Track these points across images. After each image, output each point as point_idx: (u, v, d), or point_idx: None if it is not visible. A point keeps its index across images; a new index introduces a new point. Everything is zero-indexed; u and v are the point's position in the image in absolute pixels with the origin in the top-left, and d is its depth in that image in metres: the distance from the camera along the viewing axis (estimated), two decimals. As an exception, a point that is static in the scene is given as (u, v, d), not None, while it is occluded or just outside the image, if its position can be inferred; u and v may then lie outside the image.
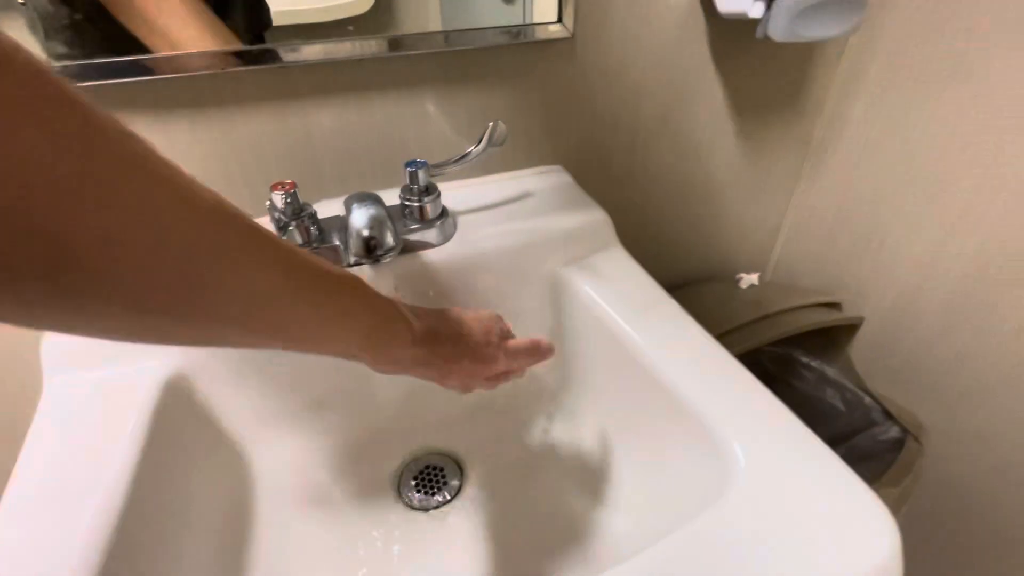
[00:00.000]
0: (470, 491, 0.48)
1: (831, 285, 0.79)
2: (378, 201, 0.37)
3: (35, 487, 0.32)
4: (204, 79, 0.42)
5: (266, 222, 0.40)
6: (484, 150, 0.45)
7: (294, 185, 0.41)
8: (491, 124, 0.45)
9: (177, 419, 0.38)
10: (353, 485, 0.47)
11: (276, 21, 0.41)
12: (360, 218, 0.35)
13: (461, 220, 0.51)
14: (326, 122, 0.48)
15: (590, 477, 0.47)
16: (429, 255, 0.46)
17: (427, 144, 0.53)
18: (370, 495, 0.47)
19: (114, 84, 0.39)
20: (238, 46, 0.41)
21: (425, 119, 0.51)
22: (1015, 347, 0.59)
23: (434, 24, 0.46)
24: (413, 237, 0.46)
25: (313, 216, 0.43)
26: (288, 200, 0.40)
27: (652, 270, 0.75)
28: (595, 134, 0.60)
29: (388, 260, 0.36)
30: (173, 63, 0.39)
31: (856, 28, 0.52)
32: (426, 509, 0.46)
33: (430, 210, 0.46)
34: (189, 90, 0.42)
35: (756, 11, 0.50)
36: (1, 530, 0.29)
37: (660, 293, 0.47)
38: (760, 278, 0.77)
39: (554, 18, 0.49)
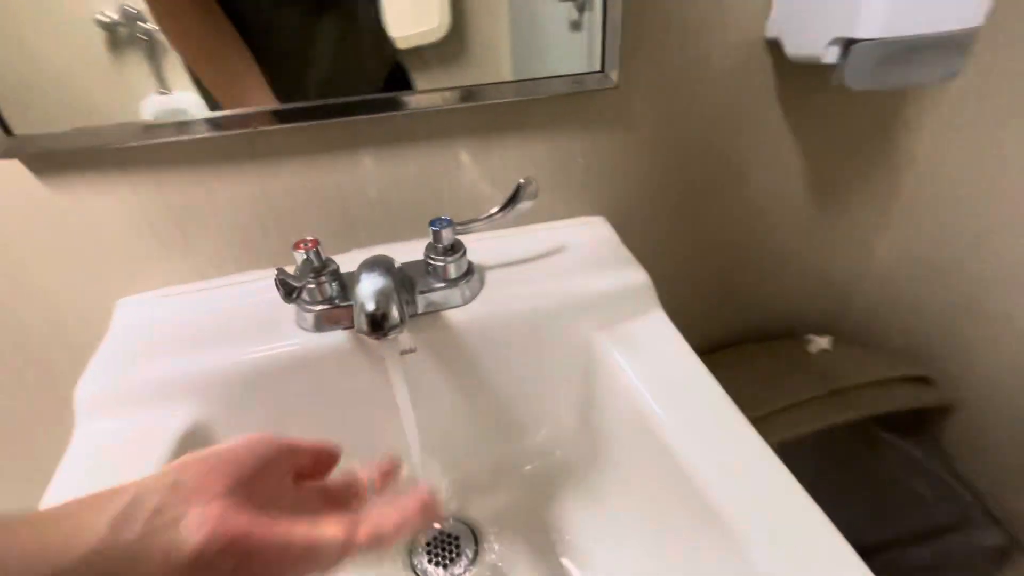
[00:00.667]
0: (486, 562, 0.45)
1: (920, 355, 0.69)
2: (388, 269, 0.36)
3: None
4: (242, 139, 0.43)
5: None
6: (512, 209, 0.43)
7: (316, 243, 0.40)
8: (521, 182, 0.43)
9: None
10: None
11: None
12: (366, 291, 0.34)
13: (490, 276, 0.48)
14: (358, 173, 0.47)
15: (607, 565, 0.42)
16: (451, 316, 0.44)
17: (459, 196, 0.51)
18: (380, 564, 0.45)
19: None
20: (278, 105, 0.41)
21: (459, 170, 0.50)
22: None
23: (505, 70, 0.45)
24: (436, 297, 0.44)
25: (335, 272, 0.42)
26: (309, 258, 0.40)
27: (705, 327, 0.70)
28: (643, 183, 0.56)
29: (394, 336, 0.34)
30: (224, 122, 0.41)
31: (955, 74, 0.45)
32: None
33: (453, 270, 0.44)
34: (228, 146, 0.43)
35: (830, 56, 0.44)
36: None
37: (700, 370, 0.42)
38: (833, 342, 0.68)
39: (597, 67, 0.46)
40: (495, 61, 0.45)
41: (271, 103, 0.41)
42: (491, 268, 0.49)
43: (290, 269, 0.37)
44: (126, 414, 0.39)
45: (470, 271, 0.45)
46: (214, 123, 0.41)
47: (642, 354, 0.43)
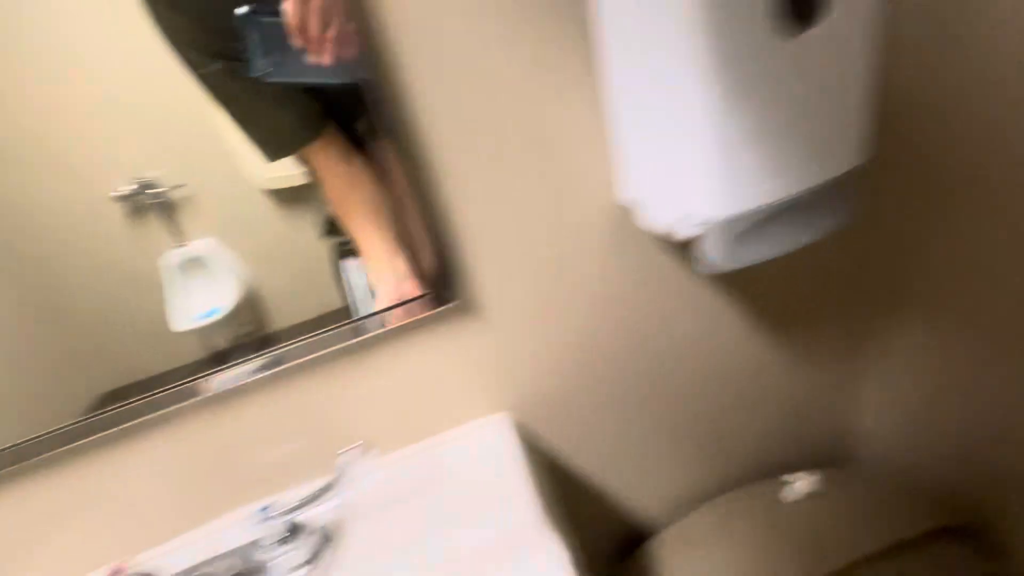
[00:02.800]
0: None
1: (955, 486, 0.54)
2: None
3: None
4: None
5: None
6: (336, 488, 0.37)
7: (123, 569, 0.36)
8: (337, 461, 0.37)
9: None
10: None
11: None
12: None
13: (350, 541, 0.40)
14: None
15: None
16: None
17: (316, 433, 0.45)
18: None
19: None
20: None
21: (306, 407, 0.44)
22: None
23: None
24: (277, 595, 0.37)
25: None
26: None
27: (662, 489, 0.58)
28: (539, 371, 0.48)
29: None
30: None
31: (848, 221, 0.36)
32: None
33: (293, 559, 0.37)
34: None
35: (686, 231, 0.36)
36: None
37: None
38: (825, 478, 0.55)
39: (423, 291, 0.40)
40: None
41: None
42: (355, 518, 0.42)
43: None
44: None
45: (325, 540, 0.38)
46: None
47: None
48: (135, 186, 0.35)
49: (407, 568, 0.38)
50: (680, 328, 0.49)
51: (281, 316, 0.41)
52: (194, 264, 0.39)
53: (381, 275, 0.40)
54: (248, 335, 0.41)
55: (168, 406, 0.40)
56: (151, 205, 0.36)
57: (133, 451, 0.41)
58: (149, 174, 0.35)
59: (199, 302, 0.40)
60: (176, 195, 0.36)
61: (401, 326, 0.42)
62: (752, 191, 0.32)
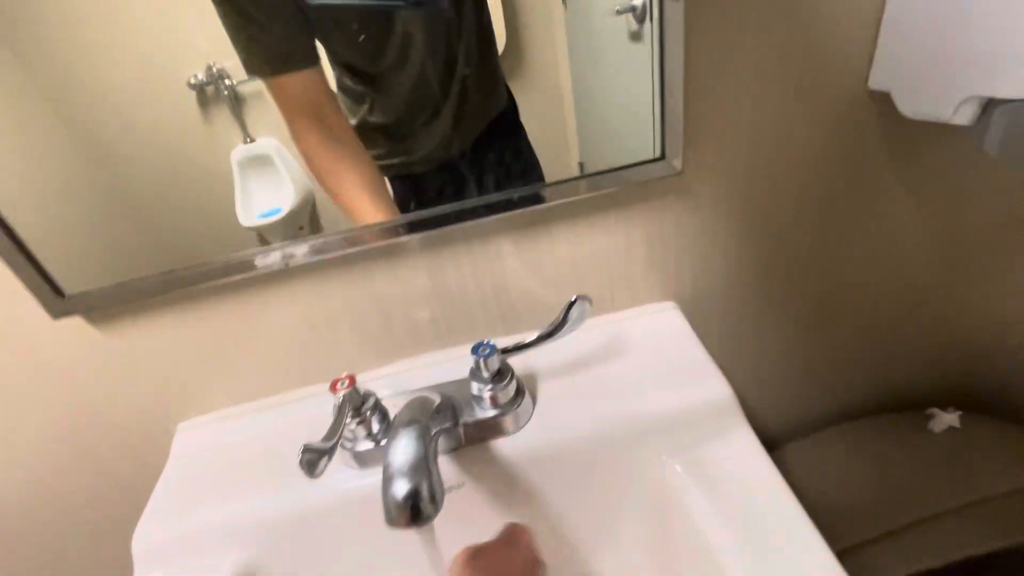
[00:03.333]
0: None
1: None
2: (422, 435, 0.32)
3: None
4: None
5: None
6: (564, 332, 0.38)
7: (353, 380, 0.38)
8: (573, 300, 0.37)
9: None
10: None
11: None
12: (397, 463, 0.30)
13: (543, 391, 0.43)
14: (407, 281, 0.44)
15: None
16: (500, 446, 0.40)
17: (510, 298, 0.47)
18: None
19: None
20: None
21: (505, 272, 0.45)
22: None
23: (564, 84, 0.40)
24: (483, 425, 0.40)
25: (376, 405, 0.39)
26: (348, 397, 0.37)
27: (804, 406, 0.60)
28: (718, 265, 0.48)
29: (431, 524, 0.30)
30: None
31: None
32: None
33: (500, 398, 0.39)
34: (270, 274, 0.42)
35: (962, 117, 0.34)
36: None
37: (793, 510, 0.34)
38: (962, 419, 0.55)
39: (656, 155, 0.39)
40: (553, 77, 0.40)
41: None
42: (544, 378, 0.44)
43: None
44: (178, 565, 0.39)
45: (519, 393, 0.41)
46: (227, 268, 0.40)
47: (719, 494, 0.36)
48: (208, 75, 0.35)
49: (595, 418, 0.41)
50: (881, 235, 0.47)
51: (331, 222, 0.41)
52: (258, 162, 0.39)
53: None
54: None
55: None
56: (223, 96, 0.36)
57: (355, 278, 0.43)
58: (223, 63, 0.35)
59: (262, 200, 0.40)
60: (245, 89, 0.36)
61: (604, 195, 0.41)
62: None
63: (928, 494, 0.49)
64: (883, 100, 0.40)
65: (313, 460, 0.32)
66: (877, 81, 0.39)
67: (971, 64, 0.33)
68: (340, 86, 0.38)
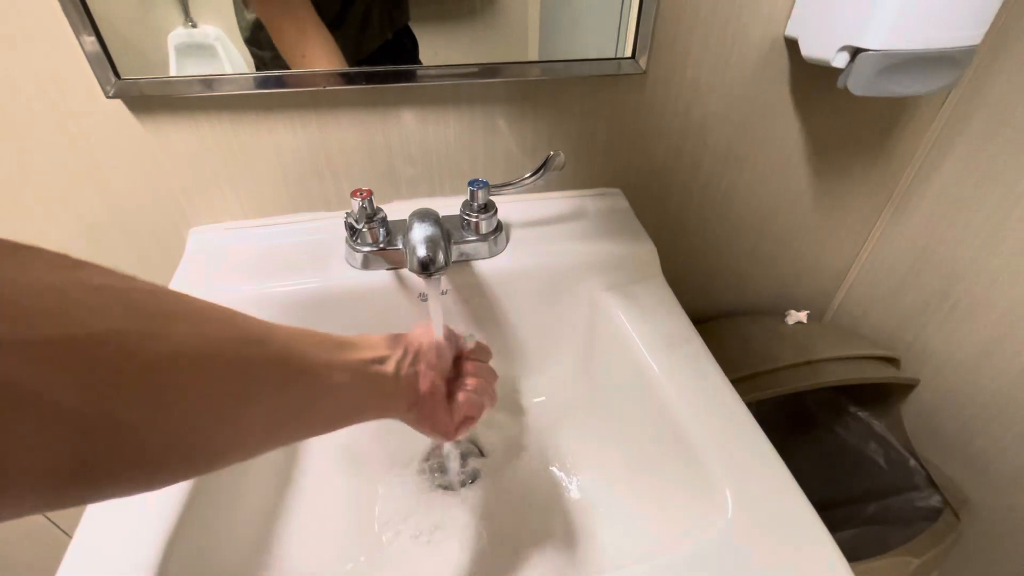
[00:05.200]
0: (491, 465, 0.54)
1: (892, 338, 0.76)
2: (436, 221, 0.42)
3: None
4: (307, 95, 0.48)
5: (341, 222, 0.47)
6: (541, 177, 0.49)
7: (370, 193, 0.47)
8: (551, 154, 0.49)
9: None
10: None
11: None
12: (418, 238, 0.40)
13: (515, 234, 0.55)
14: (404, 131, 0.53)
15: (594, 492, 0.50)
16: (480, 265, 0.51)
17: (493, 157, 0.57)
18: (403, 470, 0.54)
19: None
20: (344, 68, 0.47)
21: (494, 134, 0.55)
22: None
23: (532, 49, 0.49)
24: (468, 248, 0.50)
25: (383, 220, 0.49)
26: (364, 206, 0.47)
27: (701, 297, 0.76)
28: (657, 162, 0.61)
29: (438, 276, 0.41)
30: (295, 79, 0.46)
31: (949, 87, 0.49)
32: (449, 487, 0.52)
33: (485, 226, 0.50)
34: (295, 99, 0.49)
35: (839, 61, 0.49)
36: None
37: (690, 331, 0.49)
38: (810, 317, 0.75)
39: (628, 54, 0.51)
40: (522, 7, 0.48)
41: (338, 66, 0.46)
42: (518, 227, 0.56)
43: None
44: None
45: (499, 228, 0.52)
46: (285, 81, 0.46)
47: (640, 312, 0.50)
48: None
49: (552, 253, 0.53)
50: (777, 147, 0.62)
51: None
52: (199, 51, 0.41)
53: None
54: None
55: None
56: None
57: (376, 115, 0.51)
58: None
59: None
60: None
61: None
62: (910, 35, 0.45)
63: (773, 357, 0.68)
64: (793, 45, 0.54)
65: (352, 227, 0.41)
66: (791, 29, 0.53)
67: (848, 21, 0.47)
68: None
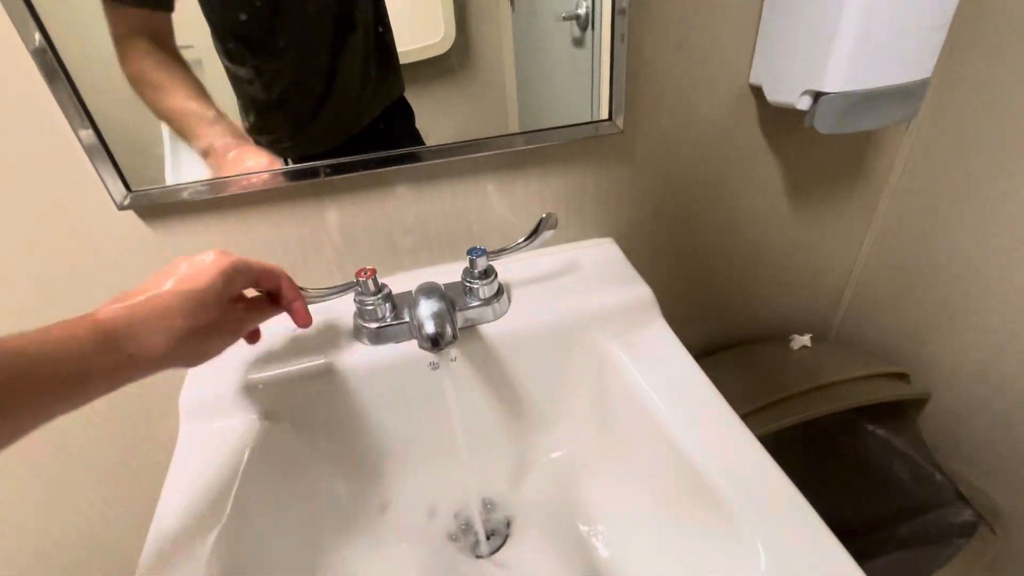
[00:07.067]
0: (517, 537, 0.53)
1: (899, 353, 0.76)
2: (441, 296, 0.44)
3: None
4: (308, 186, 0.51)
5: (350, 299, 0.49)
6: (536, 239, 0.51)
7: (374, 271, 0.49)
8: (544, 216, 0.51)
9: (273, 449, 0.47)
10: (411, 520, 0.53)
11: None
12: (425, 314, 0.42)
13: (517, 293, 0.56)
14: (402, 206, 0.56)
15: (623, 549, 0.50)
16: (485, 330, 0.52)
17: (488, 224, 0.59)
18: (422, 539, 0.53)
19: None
20: (344, 159, 0.49)
21: (486, 202, 0.58)
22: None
23: (513, 120, 0.53)
24: (472, 314, 0.52)
25: (388, 295, 0.50)
26: (368, 284, 0.48)
27: (705, 332, 0.78)
28: (646, 209, 0.64)
29: (448, 350, 0.42)
30: (295, 173, 0.49)
31: (910, 116, 0.52)
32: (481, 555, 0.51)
33: (486, 291, 0.52)
34: (297, 191, 0.52)
35: (803, 104, 0.52)
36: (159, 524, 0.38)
37: (696, 372, 0.50)
38: (813, 339, 0.76)
39: (606, 116, 0.54)
40: (499, 73, 0.50)
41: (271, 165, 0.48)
42: (518, 286, 0.57)
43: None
44: (218, 418, 0.47)
45: (500, 291, 0.53)
46: (284, 176, 0.49)
47: (647, 359, 0.51)
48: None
49: (554, 310, 0.54)
50: (758, 186, 0.65)
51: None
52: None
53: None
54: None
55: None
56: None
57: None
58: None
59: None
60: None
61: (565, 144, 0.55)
62: (867, 75, 0.48)
63: (784, 385, 0.68)
64: (758, 91, 0.57)
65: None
66: (754, 78, 0.56)
67: (806, 67, 0.50)
68: (229, 60, 0.41)
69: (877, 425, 0.79)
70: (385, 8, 0.45)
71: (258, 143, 0.47)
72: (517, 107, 0.53)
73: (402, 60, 0.47)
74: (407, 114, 0.50)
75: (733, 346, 0.79)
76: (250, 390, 0.49)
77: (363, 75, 0.47)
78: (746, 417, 0.67)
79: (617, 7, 0.48)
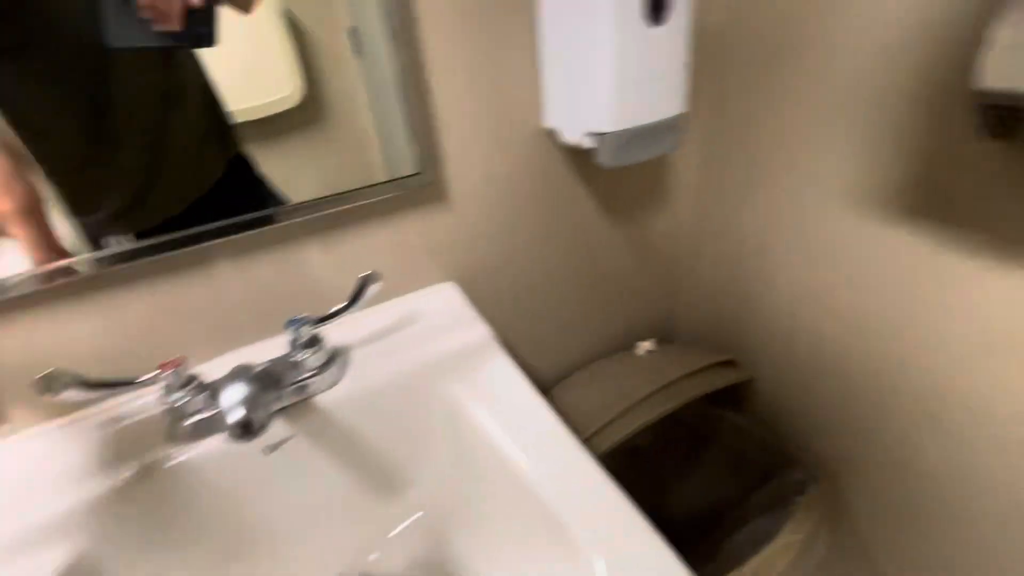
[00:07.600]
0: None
1: (728, 343, 0.86)
2: (250, 379, 0.42)
3: None
4: (90, 278, 0.46)
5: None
6: (360, 301, 0.51)
7: (180, 361, 0.45)
8: (365, 276, 0.51)
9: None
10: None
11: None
12: (229, 403, 0.39)
13: (356, 354, 0.55)
14: (218, 285, 0.52)
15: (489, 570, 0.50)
16: (322, 400, 0.50)
17: (314, 289, 0.58)
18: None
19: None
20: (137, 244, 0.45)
21: (310, 268, 0.56)
22: (898, 380, 0.67)
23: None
24: (301, 387, 0.50)
25: (200, 386, 0.47)
26: (174, 378, 0.44)
27: (557, 356, 0.82)
28: (477, 251, 0.66)
29: (262, 436, 0.40)
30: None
31: (675, 148, 0.61)
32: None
33: (314, 361, 0.50)
34: (79, 286, 0.46)
35: (588, 143, 0.58)
36: None
37: (538, 404, 0.52)
38: (659, 343, 0.84)
39: (415, 170, 0.56)
40: (352, 127, 0.51)
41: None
42: (354, 347, 0.56)
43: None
44: (8, 562, 0.40)
45: (332, 358, 0.52)
46: (44, 276, 0.44)
47: (490, 399, 0.52)
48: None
49: (395, 363, 0.54)
50: (574, 217, 0.71)
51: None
52: None
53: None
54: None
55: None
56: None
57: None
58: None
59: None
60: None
61: (388, 199, 0.56)
62: (630, 117, 0.55)
63: (633, 391, 0.74)
64: (553, 133, 0.63)
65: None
66: (547, 121, 0.62)
67: (586, 112, 0.56)
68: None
69: (724, 409, 0.88)
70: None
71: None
72: (367, 160, 0.53)
73: (249, 117, 0.46)
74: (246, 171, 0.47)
75: (587, 363, 0.84)
76: (48, 526, 0.42)
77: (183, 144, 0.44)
78: (605, 427, 0.72)
79: (400, 63, 0.51)
